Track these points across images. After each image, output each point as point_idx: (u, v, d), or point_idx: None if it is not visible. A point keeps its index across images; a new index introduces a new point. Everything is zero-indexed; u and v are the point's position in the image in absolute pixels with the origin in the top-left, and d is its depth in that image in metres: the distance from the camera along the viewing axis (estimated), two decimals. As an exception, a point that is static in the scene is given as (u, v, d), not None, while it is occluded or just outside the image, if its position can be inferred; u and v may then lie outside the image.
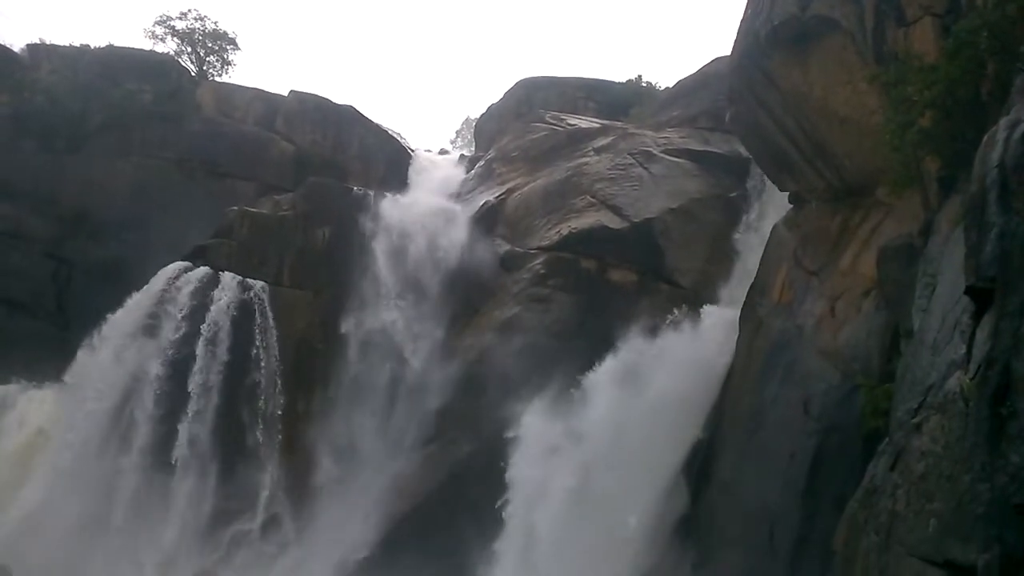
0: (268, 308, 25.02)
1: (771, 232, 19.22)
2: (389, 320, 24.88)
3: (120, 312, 24.69)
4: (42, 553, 20.97)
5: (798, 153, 17.15)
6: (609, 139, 27.77)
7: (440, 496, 21.74)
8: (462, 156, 35.86)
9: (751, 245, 21.66)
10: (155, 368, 23.63)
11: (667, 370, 18.82)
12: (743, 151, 22.50)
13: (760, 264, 19.16)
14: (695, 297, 21.63)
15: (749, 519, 15.36)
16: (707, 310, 20.45)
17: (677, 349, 19.32)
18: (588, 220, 24.46)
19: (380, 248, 26.00)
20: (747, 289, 19.27)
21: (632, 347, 19.94)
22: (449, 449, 22.26)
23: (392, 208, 26.99)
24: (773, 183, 19.91)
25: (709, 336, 19.57)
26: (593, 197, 25.11)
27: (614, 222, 24.13)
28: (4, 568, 20.27)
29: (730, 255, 22.42)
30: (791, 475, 14.52)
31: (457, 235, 26.32)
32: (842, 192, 16.80)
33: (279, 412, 24.19)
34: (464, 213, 27.34)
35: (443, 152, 39.21)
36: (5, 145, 31.37)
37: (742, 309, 19.00)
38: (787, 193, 19.02)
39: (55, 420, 24.32)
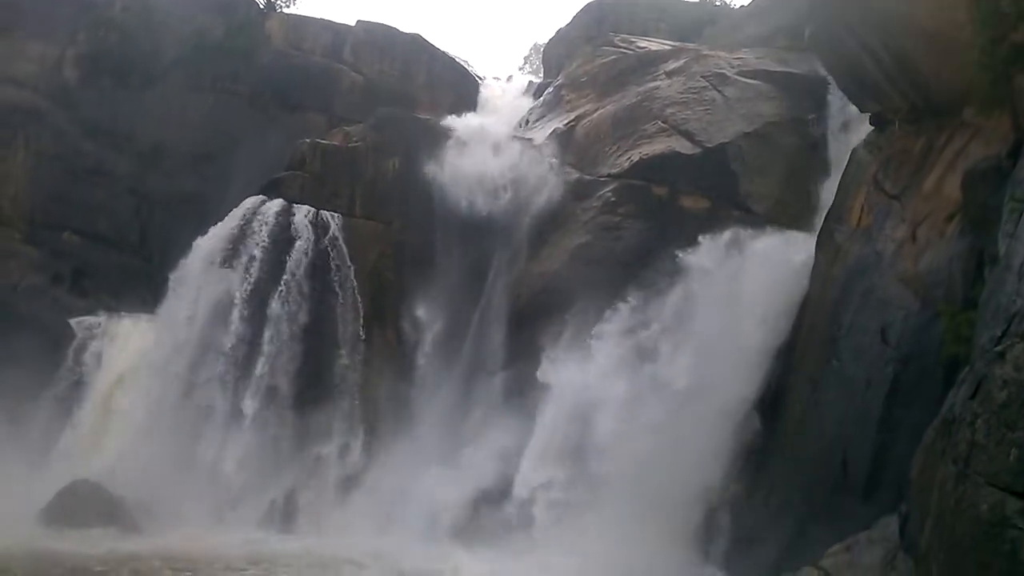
0: (342, 239, 25.43)
1: (850, 155, 18.61)
2: (457, 248, 25.01)
3: (201, 245, 25.38)
4: (137, 478, 22.06)
5: (881, 72, 16.42)
6: (681, 62, 27.00)
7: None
8: (530, 83, 35.42)
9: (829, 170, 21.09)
10: (237, 300, 24.32)
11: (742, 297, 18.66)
12: (822, 71, 21.70)
13: (838, 188, 18.62)
14: (769, 223, 21.10)
15: (823, 449, 15.25)
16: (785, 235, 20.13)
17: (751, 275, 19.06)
18: (659, 146, 24.00)
19: (449, 176, 25.99)
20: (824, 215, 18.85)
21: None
22: (517, 378, 22.52)
23: (460, 136, 26.93)
24: (854, 104, 19.20)
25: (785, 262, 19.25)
26: (664, 122, 24.57)
27: (686, 148, 23.61)
28: (100, 487, 21.39)
29: (807, 180, 21.83)
30: (866, 404, 14.32)
31: (525, 162, 26.14)
32: (927, 113, 16.10)
33: (356, 340, 24.74)
34: (533, 140, 27.10)
35: (511, 79, 38.74)
36: (85, 84, 32.24)
37: (818, 235, 18.54)
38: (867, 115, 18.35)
39: (144, 350, 25.36)
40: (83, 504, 20.78)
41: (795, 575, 11.79)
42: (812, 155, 22.40)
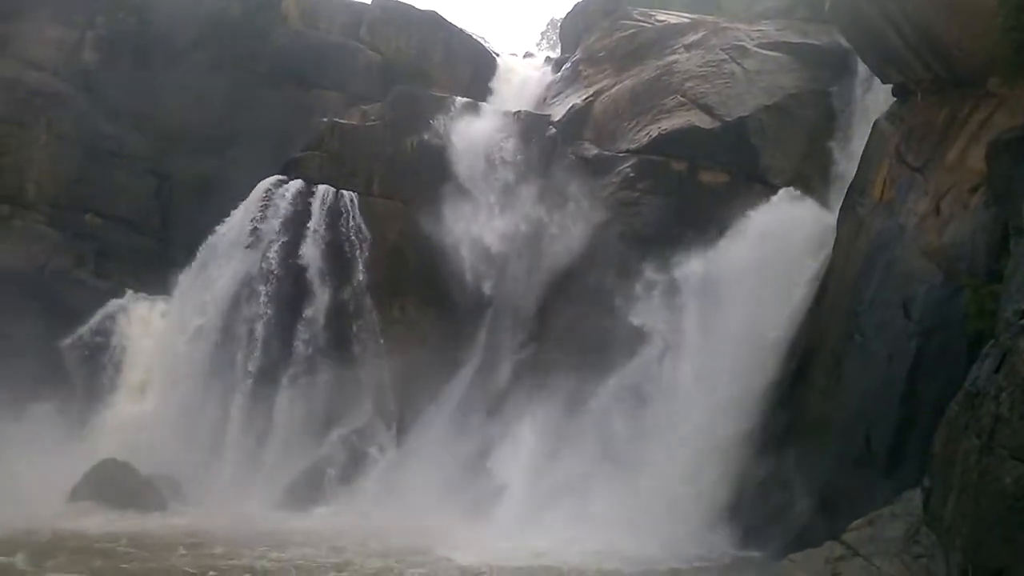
0: (361, 218, 25.45)
1: (872, 128, 18.43)
2: (477, 227, 24.96)
3: (222, 226, 25.53)
4: (166, 456, 22.35)
5: (902, 42, 16.21)
6: (700, 34, 26.74)
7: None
8: (547, 59, 35.15)
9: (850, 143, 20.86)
10: (258, 280, 24.45)
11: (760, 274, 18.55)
12: (844, 42, 21.43)
13: (860, 162, 18.46)
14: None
15: (845, 424, 15.23)
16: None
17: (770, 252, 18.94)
18: (678, 121, 23.82)
19: (467, 155, 25.88)
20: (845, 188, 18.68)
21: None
22: (539, 358, 22.55)
23: (478, 114, 26.79)
24: (875, 75, 18.98)
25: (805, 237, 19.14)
26: (683, 96, 24.37)
27: (705, 122, 23.43)
28: (127, 465, 21.69)
29: (827, 153, 21.63)
30: (889, 378, 14.28)
31: (543, 140, 25.99)
32: (949, 83, 15.89)
33: (376, 320, 24.82)
34: (550, 117, 26.93)
35: (528, 55, 38.43)
36: (104, 66, 32.27)
37: (840, 209, 18.44)
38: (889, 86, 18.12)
39: (169, 332, 25.59)
40: (111, 483, 21.06)
41: (818, 550, 11.78)
42: (833, 128, 22.19)
